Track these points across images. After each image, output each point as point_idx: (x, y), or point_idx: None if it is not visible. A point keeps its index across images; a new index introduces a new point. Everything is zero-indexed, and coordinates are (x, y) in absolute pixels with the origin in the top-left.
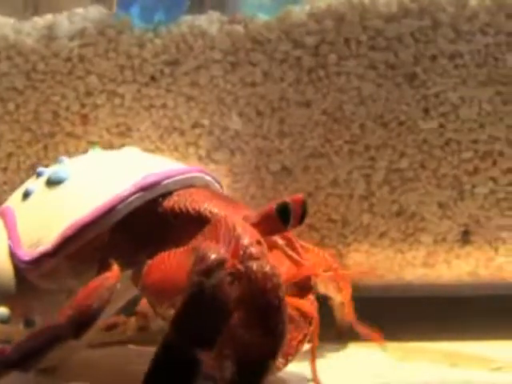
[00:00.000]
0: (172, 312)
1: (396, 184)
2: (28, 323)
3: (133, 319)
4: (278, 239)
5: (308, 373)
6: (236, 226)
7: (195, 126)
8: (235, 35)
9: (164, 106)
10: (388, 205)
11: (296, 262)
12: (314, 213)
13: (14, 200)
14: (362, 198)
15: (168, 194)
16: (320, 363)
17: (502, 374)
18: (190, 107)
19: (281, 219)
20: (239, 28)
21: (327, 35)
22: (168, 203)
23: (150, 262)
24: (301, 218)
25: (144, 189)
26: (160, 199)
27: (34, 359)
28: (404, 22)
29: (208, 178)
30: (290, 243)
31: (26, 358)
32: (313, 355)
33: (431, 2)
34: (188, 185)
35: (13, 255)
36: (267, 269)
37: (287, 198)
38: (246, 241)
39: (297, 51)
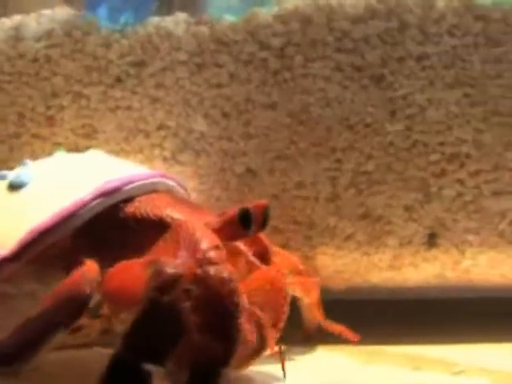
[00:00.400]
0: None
1: (362, 186)
2: None
3: (97, 322)
4: (246, 243)
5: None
6: (196, 230)
7: (160, 127)
8: (201, 37)
9: (129, 107)
10: (354, 207)
11: (257, 268)
12: (280, 215)
13: None
14: (328, 200)
15: (130, 199)
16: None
17: (463, 378)
18: (155, 109)
19: (242, 225)
20: (205, 29)
21: (293, 37)
22: (129, 209)
23: (110, 269)
24: (263, 224)
25: (105, 194)
26: (121, 204)
27: (29, 353)
28: (371, 24)
29: (171, 182)
30: (260, 246)
31: (12, 358)
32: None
33: (398, 3)
34: (150, 190)
35: None
36: (224, 274)
37: (249, 204)
38: (204, 245)
39: (263, 53)
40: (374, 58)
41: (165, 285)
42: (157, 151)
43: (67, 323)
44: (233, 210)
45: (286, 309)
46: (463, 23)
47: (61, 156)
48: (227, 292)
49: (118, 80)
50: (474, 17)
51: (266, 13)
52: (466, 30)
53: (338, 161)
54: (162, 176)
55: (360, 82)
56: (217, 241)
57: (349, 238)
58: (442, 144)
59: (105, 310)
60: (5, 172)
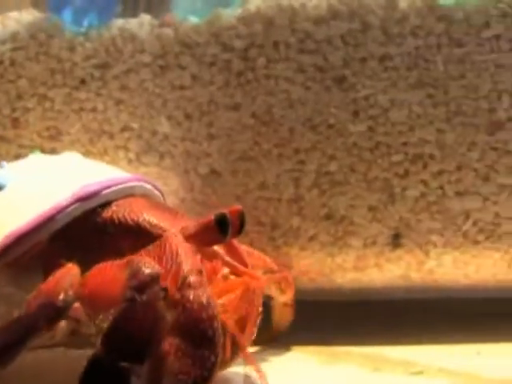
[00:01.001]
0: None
1: (325, 187)
2: None
3: (63, 323)
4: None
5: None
6: (179, 250)
7: (124, 129)
8: (164, 39)
9: (94, 109)
10: (317, 208)
11: (236, 270)
12: None
13: None
14: (291, 201)
15: (107, 203)
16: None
17: (422, 379)
18: (119, 110)
19: (219, 230)
20: (169, 31)
21: (256, 38)
22: (107, 213)
23: (87, 273)
24: (239, 229)
25: (83, 199)
26: (99, 209)
27: (9, 355)
28: (333, 25)
29: (148, 186)
30: (232, 248)
31: (1, 354)
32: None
33: (361, 4)
34: (128, 194)
35: None
36: (204, 299)
37: (225, 209)
38: (186, 269)
39: (226, 54)
40: (336, 59)
41: (142, 284)
42: (121, 153)
43: (47, 327)
44: (209, 216)
45: (259, 313)
46: (426, 24)
47: (37, 158)
48: (206, 317)
49: (83, 82)
50: (436, 17)
51: (229, 15)
52: (429, 30)
53: (301, 162)
54: (139, 180)
55: (323, 83)
56: (199, 265)
57: (312, 238)
58: (405, 145)
59: (72, 312)
60: None
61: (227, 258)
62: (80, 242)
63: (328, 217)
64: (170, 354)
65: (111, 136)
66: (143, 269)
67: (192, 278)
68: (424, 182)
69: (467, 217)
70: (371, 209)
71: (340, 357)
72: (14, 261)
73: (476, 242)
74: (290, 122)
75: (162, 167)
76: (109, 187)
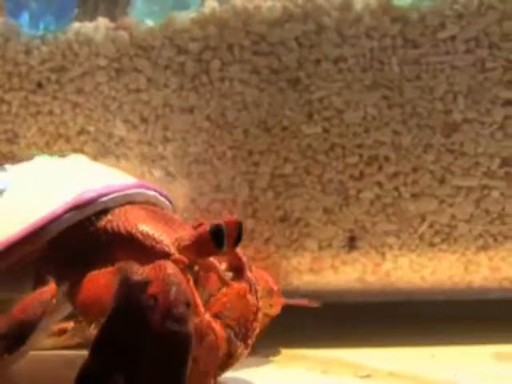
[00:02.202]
0: None
1: (280, 189)
2: None
3: (81, 325)
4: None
5: None
6: (172, 279)
7: (81, 132)
8: (120, 42)
9: (50, 112)
10: (272, 210)
11: (228, 285)
12: (197, 219)
13: None
14: (246, 203)
15: (104, 211)
16: None
17: (370, 382)
18: (75, 114)
19: (214, 242)
20: (124, 35)
21: (211, 41)
22: (101, 222)
23: (81, 281)
24: (236, 241)
25: (78, 207)
26: (93, 218)
27: None
28: (288, 27)
29: (150, 192)
30: (235, 260)
31: None
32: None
33: (315, 6)
34: (127, 201)
35: None
36: (181, 334)
37: (220, 220)
38: (172, 297)
39: (180, 57)
40: (290, 61)
41: (131, 291)
42: None
43: (8, 351)
44: (203, 227)
45: (256, 324)
46: (381, 25)
47: (41, 160)
48: (179, 351)
49: (39, 85)
50: (391, 19)
51: (183, 17)
52: (384, 32)
53: (256, 164)
54: (140, 187)
55: (277, 84)
56: (188, 296)
57: (267, 241)
58: (360, 146)
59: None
60: None
61: (222, 273)
62: (73, 250)
63: (283, 219)
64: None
65: (68, 139)
66: (132, 276)
67: (175, 310)
68: (379, 184)
69: (423, 219)
70: (326, 211)
71: (294, 360)
72: (6, 268)
73: (432, 245)
74: (244, 125)
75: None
76: (106, 195)
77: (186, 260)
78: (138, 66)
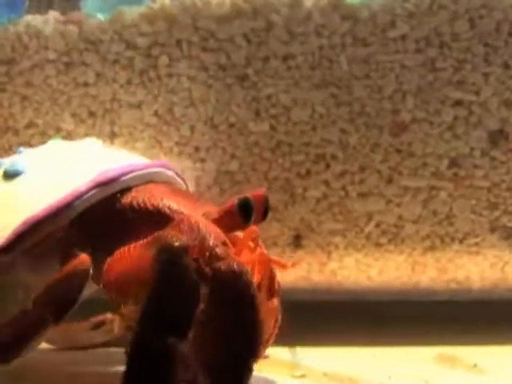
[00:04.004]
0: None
1: (226, 186)
2: None
3: (119, 318)
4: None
5: None
6: (200, 226)
7: (29, 125)
8: (69, 36)
9: None
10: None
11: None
12: None
13: None
14: None
15: (127, 189)
16: None
17: (304, 382)
18: (24, 107)
19: (242, 215)
20: (73, 29)
21: (159, 36)
22: (126, 199)
23: (109, 259)
24: (263, 214)
25: (102, 184)
26: (118, 195)
27: (16, 349)
28: (236, 23)
29: (170, 173)
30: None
31: (7, 348)
32: None
33: (265, 3)
34: (148, 180)
35: None
36: (235, 267)
37: (248, 193)
38: (211, 242)
39: (129, 52)
40: (238, 58)
41: (173, 257)
42: None
43: (55, 319)
44: (231, 200)
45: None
46: (330, 23)
47: (56, 144)
48: (242, 285)
49: None
50: (341, 16)
51: (132, 12)
52: (333, 29)
53: (202, 160)
54: (161, 166)
55: (224, 81)
56: (223, 237)
57: None
58: (306, 145)
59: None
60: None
61: (250, 245)
62: (99, 228)
63: None
64: (210, 332)
65: (15, 132)
66: (172, 241)
67: (218, 250)
68: (326, 183)
69: (370, 219)
70: (272, 209)
71: None
72: (31, 248)
73: (379, 245)
74: (191, 121)
75: None
76: (128, 173)
77: None
78: (87, 60)
